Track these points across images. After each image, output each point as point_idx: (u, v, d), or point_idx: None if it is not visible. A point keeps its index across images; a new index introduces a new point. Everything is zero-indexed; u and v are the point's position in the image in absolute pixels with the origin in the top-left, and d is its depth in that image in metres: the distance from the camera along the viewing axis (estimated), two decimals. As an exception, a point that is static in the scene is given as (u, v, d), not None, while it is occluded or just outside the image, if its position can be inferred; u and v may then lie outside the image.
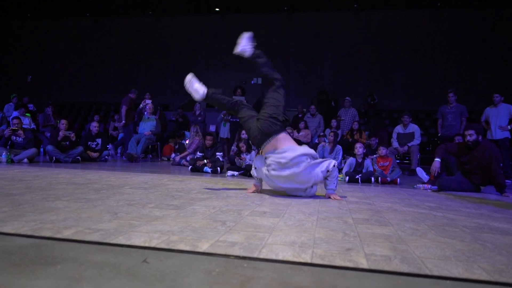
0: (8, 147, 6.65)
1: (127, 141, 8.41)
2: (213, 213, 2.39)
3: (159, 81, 15.76)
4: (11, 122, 7.09)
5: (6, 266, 1.26)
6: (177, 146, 8.53)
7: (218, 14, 15.17)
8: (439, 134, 7.60)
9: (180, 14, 15.31)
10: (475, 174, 4.73)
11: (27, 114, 9.14)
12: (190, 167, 6.15)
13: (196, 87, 3.63)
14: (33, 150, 6.63)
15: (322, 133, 8.59)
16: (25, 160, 6.43)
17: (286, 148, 3.26)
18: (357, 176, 5.41)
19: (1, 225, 1.81)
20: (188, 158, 6.95)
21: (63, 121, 7.18)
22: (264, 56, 3.85)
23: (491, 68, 12.88)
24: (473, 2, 12.81)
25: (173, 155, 8.08)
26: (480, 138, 4.80)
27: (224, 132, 9.44)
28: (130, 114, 9.14)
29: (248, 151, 6.01)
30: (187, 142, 7.92)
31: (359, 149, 5.74)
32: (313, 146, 7.78)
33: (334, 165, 3.27)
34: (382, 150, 5.78)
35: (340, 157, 6.88)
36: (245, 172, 5.63)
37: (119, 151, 9.81)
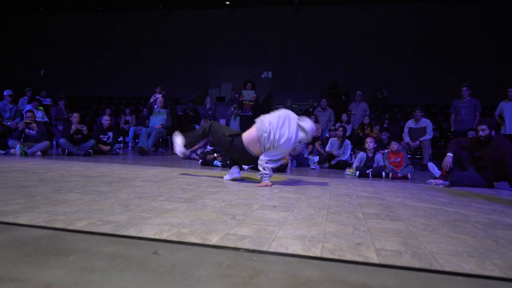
0: (22, 140, 6.76)
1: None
2: (223, 206, 2.40)
3: (169, 75, 15.82)
4: (24, 116, 7.19)
5: (20, 256, 1.28)
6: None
7: (227, 7, 15.13)
8: (452, 129, 7.51)
9: (190, 7, 15.31)
10: (488, 170, 4.67)
11: (40, 107, 9.25)
12: (200, 160, 6.18)
13: (177, 143, 4.20)
14: (46, 143, 6.72)
15: (332, 127, 8.55)
16: (38, 152, 6.52)
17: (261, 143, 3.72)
18: (367, 171, 5.37)
19: (16, 216, 1.84)
20: (198, 151, 6.97)
21: (76, 115, 7.26)
22: (192, 136, 4.31)
23: (506, 62, 12.65)
24: (488, -6, 12.58)
25: (183, 148, 8.10)
26: (493, 133, 4.72)
27: (235, 126, 9.45)
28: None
29: None
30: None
31: (369, 143, 5.69)
32: (324, 140, 7.75)
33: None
34: (394, 145, 5.73)
35: (348, 152, 6.84)
36: (255, 166, 5.62)
37: (130, 144, 9.89)
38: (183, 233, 1.68)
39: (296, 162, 6.78)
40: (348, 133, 8.30)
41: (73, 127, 6.98)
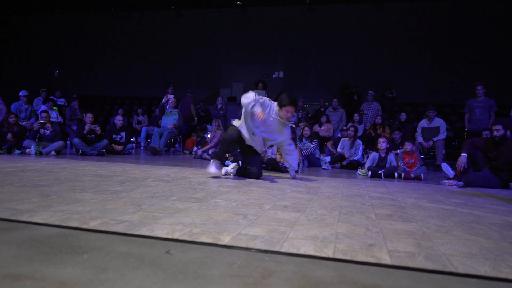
0: (36, 139, 6.87)
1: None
2: (235, 206, 2.40)
3: (181, 75, 15.90)
4: (39, 116, 7.30)
5: (36, 254, 1.30)
6: (199, 140, 8.60)
7: (239, 7, 15.14)
8: (466, 129, 7.40)
9: (202, 7, 15.36)
10: (503, 170, 4.59)
11: (54, 107, 9.39)
12: (211, 160, 6.19)
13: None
14: (60, 143, 6.81)
15: (344, 127, 8.50)
16: (53, 152, 6.62)
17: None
18: (380, 171, 5.33)
19: (31, 215, 1.87)
20: (210, 151, 7.00)
21: (89, 115, 7.35)
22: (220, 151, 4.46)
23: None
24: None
25: (195, 148, 8.15)
26: (508, 133, 4.65)
27: (246, 126, 9.44)
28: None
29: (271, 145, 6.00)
30: (209, 135, 7.97)
31: (382, 143, 5.65)
32: (335, 140, 7.71)
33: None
34: (408, 146, 5.67)
35: (360, 152, 6.80)
36: (266, 166, 5.63)
37: (142, 144, 9.97)
38: (195, 232, 1.69)
39: (308, 162, 6.76)
40: (360, 133, 8.25)
41: (87, 127, 7.07)
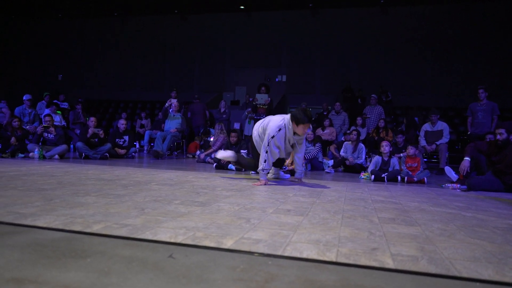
0: (40, 143, 6.89)
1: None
2: (238, 210, 2.40)
3: (185, 79, 15.95)
4: (43, 120, 7.33)
5: (39, 258, 1.31)
6: (202, 143, 8.62)
7: (243, 12, 15.19)
8: (468, 132, 7.38)
9: (206, 12, 15.43)
10: (507, 174, 4.57)
11: (58, 111, 9.43)
12: (214, 164, 6.20)
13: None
14: (63, 147, 6.84)
15: (347, 131, 8.48)
16: (56, 156, 6.64)
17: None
18: (383, 175, 5.32)
19: (34, 219, 1.88)
20: (213, 155, 7.00)
21: (92, 119, 7.37)
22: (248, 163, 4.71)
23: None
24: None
25: (198, 152, 8.16)
26: (511, 137, 4.63)
27: (249, 130, 9.44)
28: None
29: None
30: (212, 139, 7.98)
31: (385, 147, 5.63)
32: (339, 144, 7.70)
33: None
34: (410, 150, 5.65)
35: (363, 155, 6.78)
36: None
37: (145, 148, 10.00)
38: (198, 236, 1.69)
39: (311, 166, 6.75)
40: (363, 137, 8.23)
41: (90, 131, 7.09)
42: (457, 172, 5.03)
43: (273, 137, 3.99)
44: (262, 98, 8.20)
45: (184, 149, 9.42)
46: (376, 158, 5.65)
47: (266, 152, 4.02)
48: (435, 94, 13.18)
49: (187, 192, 3.11)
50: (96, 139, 7.13)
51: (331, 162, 6.84)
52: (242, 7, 14.85)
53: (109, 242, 1.56)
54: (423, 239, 1.84)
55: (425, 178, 5.21)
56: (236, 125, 10.88)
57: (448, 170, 5.41)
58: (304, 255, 1.47)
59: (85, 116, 10.02)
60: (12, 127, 7.04)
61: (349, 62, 14.38)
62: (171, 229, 1.80)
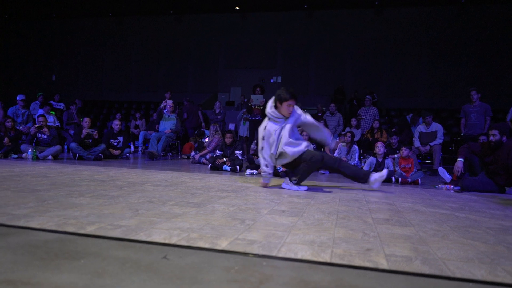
0: (33, 144, 6.84)
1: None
2: (232, 211, 2.40)
3: (179, 79, 15.92)
4: (36, 120, 7.29)
5: (32, 259, 1.30)
6: (196, 145, 8.60)
7: (238, 12, 15.20)
8: (462, 134, 7.43)
9: (201, 12, 15.42)
10: (500, 175, 4.61)
11: (51, 112, 9.37)
12: (209, 165, 6.19)
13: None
14: (57, 147, 6.79)
15: (342, 132, 8.50)
16: (50, 157, 6.60)
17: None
18: (377, 176, 5.33)
19: (28, 220, 1.87)
20: (207, 156, 6.99)
21: (86, 119, 7.33)
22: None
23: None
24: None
25: (192, 153, 8.14)
26: (504, 138, 4.67)
27: (244, 131, 9.47)
28: None
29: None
30: (206, 140, 7.97)
31: (380, 148, 5.66)
32: (333, 145, 7.71)
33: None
34: (404, 151, 5.68)
35: (356, 157, 6.80)
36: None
37: (140, 149, 9.97)
38: (192, 237, 1.68)
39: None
40: (357, 138, 8.26)
41: (84, 131, 7.06)
42: (450, 173, 5.06)
43: (263, 138, 3.89)
44: (257, 99, 8.21)
45: (179, 150, 9.40)
46: (371, 159, 5.68)
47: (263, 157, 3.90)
48: (428, 95, 13.27)
49: (182, 193, 3.10)
50: (90, 140, 7.09)
51: (325, 163, 6.84)
52: (237, 8, 14.86)
53: (102, 243, 1.55)
54: (416, 240, 1.85)
55: (419, 179, 5.24)
56: (231, 126, 10.88)
57: (441, 171, 5.45)
58: (299, 256, 1.47)
59: (79, 117, 9.98)
60: (5, 127, 6.98)
61: (343, 63, 14.43)
62: (166, 230, 1.80)
